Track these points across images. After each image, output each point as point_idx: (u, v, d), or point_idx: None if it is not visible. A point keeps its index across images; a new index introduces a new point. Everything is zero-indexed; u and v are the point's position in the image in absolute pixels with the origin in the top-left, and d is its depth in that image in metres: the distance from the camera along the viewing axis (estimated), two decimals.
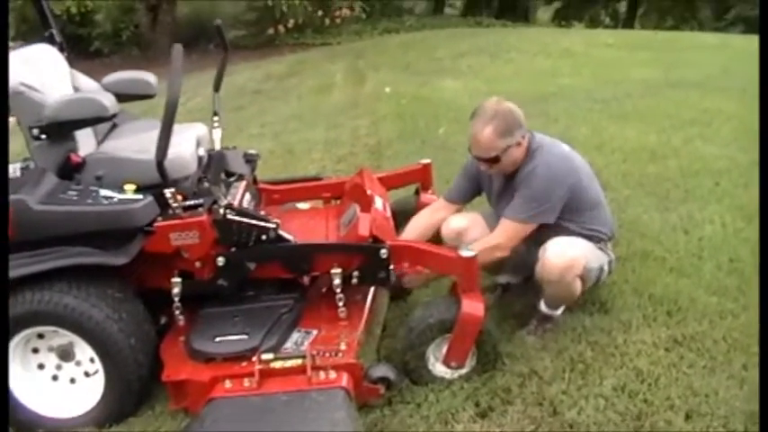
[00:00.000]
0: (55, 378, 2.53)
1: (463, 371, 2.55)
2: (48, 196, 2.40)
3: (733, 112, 5.80)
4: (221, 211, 2.51)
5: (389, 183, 3.39)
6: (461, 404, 2.43)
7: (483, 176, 2.90)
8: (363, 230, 2.63)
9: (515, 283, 3.11)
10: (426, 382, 2.53)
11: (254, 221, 2.54)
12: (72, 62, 3.12)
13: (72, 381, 2.54)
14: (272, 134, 6.83)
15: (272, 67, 11.78)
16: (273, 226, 2.57)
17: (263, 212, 2.76)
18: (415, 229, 2.94)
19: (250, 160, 3.26)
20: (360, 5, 14.73)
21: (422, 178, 3.46)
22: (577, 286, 2.69)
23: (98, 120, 2.55)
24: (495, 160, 2.64)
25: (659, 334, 2.72)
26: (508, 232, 2.66)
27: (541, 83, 7.94)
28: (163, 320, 2.73)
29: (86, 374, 2.52)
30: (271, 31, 14.47)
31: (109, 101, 2.49)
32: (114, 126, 3.08)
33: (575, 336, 2.76)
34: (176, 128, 2.95)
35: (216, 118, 3.29)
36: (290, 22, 14.48)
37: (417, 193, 3.48)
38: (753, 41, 8.54)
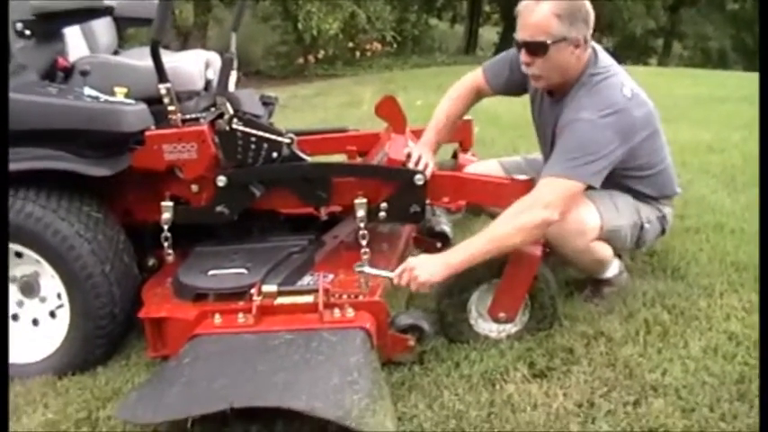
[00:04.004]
0: (15, 317, 2.09)
1: (513, 328, 2.07)
2: (23, 86, 1.99)
3: None
4: (226, 121, 2.10)
5: None
6: (512, 363, 1.94)
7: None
8: (396, 153, 2.18)
9: None
10: (467, 340, 2.06)
11: (264, 134, 2.12)
12: None
13: (35, 322, 2.10)
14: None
15: (298, 90, 11.51)
16: (288, 141, 2.15)
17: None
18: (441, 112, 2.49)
19: (267, 103, 2.85)
20: (391, 35, 14.49)
21: (461, 136, 3.01)
22: (598, 250, 2.12)
23: (91, 12, 2.17)
24: (540, 50, 1.96)
25: (749, 299, 2.24)
26: (553, 189, 1.93)
27: None
28: (151, 262, 2.30)
29: (52, 315, 2.08)
30: (300, 60, 14.28)
31: None
32: (115, 53, 2.71)
33: (646, 300, 2.27)
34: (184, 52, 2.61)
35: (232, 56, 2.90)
36: (321, 53, 14.29)
37: (455, 156, 3.03)
38: None
